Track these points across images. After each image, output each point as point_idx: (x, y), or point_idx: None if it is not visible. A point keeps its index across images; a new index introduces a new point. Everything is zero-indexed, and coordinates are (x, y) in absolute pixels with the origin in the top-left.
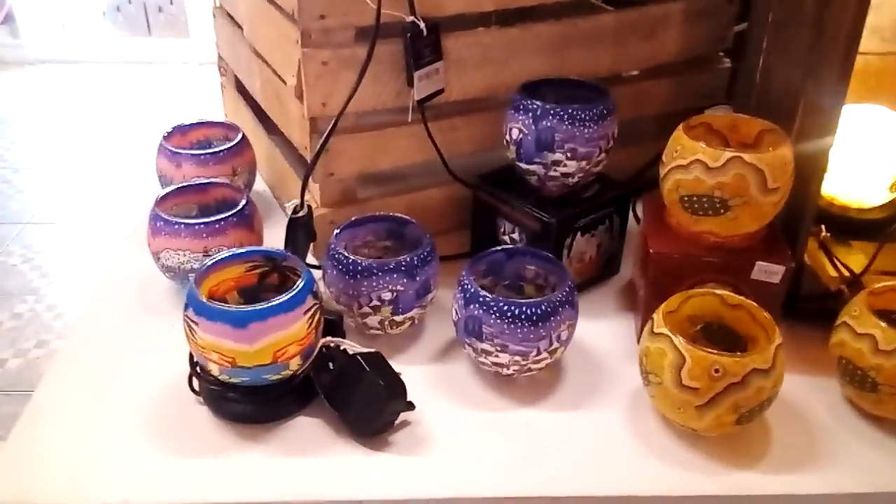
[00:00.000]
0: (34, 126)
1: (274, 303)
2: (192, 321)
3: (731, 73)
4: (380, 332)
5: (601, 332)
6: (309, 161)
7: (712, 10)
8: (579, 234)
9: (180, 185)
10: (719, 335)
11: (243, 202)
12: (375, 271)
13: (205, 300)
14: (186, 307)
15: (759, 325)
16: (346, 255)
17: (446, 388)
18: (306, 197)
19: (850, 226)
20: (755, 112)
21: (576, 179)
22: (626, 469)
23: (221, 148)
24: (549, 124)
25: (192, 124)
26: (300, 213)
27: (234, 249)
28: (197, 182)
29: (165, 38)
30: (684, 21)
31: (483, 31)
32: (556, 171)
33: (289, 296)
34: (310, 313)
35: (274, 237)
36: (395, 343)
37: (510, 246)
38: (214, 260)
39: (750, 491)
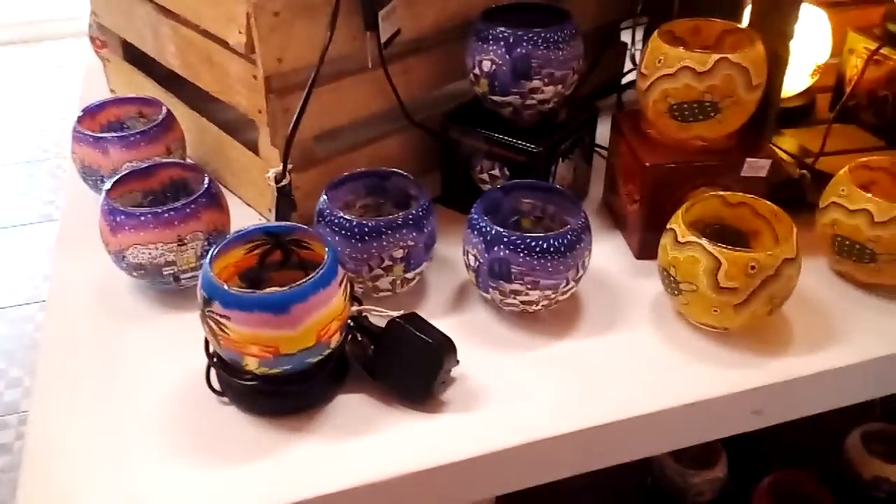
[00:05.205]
0: None
1: (312, 279)
2: (221, 316)
3: None
4: (389, 293)
5: (596, 255)
6: (291, 124)
7: None
8: (560, 160)
9: (127, 172)
10: (721, 236)
11: (206, 180)
12: (384, 230)
13: (236, 290)
14: (209, 302)
15: (761, 219)
16: (349, 217)
17: (475, 336)
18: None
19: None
20: (679, 16)
21: (551, 105)
22: (676, 378)
23: (152, 125)
24: (523, 51)
25: (99, 104)
26: (283, 182)
27: (236, 231)
28: (147, 165)
29: None
30: None
31: None
32: (533, 98)
33: (323, 270)
34: (343, 284)
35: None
36: (404, 303)
37: (507, 182)
38: (220, 245)
39: (793, 374)
